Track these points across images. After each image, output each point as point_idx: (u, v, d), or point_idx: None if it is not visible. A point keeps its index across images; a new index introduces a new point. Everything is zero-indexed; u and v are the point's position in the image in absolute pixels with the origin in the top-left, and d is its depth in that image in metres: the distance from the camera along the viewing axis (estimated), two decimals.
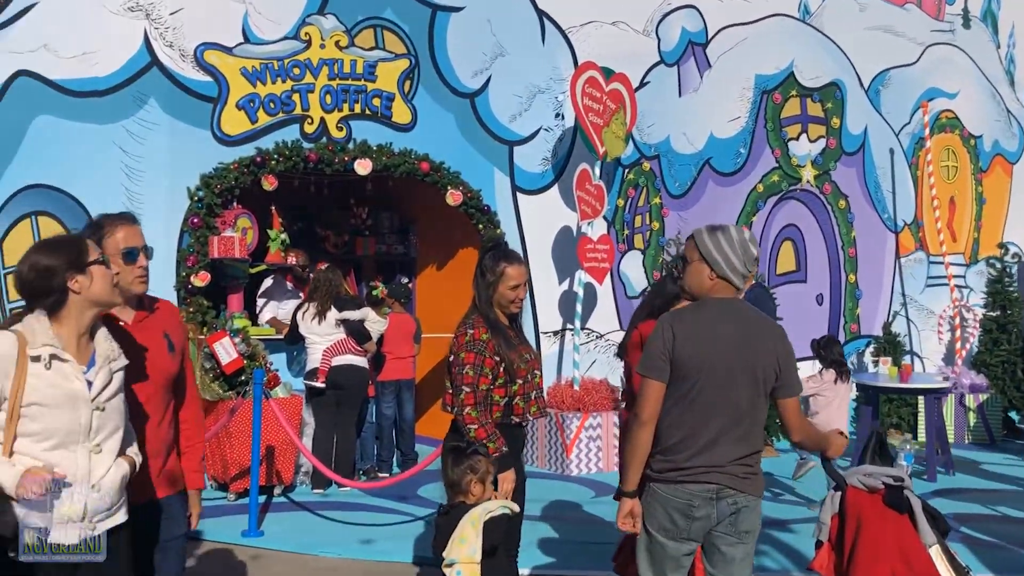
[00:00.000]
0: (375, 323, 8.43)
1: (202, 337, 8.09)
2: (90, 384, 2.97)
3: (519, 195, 10.03)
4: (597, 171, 9.68)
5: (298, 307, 8.49)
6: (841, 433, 4.13)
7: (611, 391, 9.59)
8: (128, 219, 3.51)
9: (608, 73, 9.79)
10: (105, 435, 3.01)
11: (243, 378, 7.88)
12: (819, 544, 4.09)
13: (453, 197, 9.42)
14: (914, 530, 3.96)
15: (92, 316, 3.04)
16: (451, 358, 4.36)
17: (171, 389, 3.58)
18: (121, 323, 3.41)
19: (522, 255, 10.05)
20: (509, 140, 9.97)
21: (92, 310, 3.03)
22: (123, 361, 3.11)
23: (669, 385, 3.69)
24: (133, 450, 3.16)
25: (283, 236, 9.06)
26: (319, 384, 8.20)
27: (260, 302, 9.43)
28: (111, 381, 3.03)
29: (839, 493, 4.11)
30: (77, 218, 8.25)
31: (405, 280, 10.80)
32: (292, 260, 9.31)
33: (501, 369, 4.31)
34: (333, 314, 8.31)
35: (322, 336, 8.32)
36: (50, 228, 8.25)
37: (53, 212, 8.27)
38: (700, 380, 3.66)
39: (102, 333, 3.08)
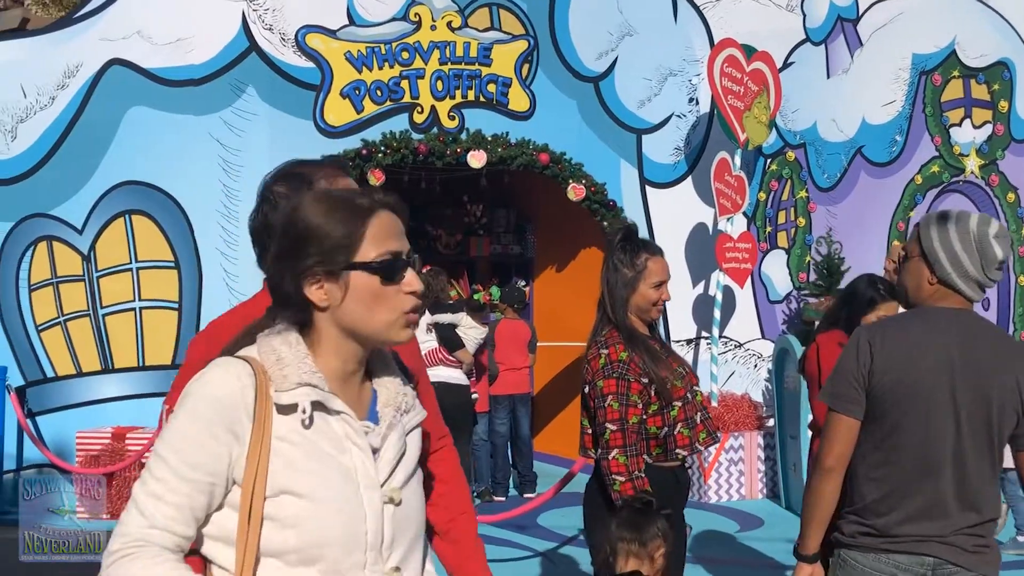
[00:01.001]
0: (470, 329, 7.57)
1: None
2: (376, 454, 1.65)
3: (648, 188, 9.07)
4: (737, 161, 8.65)
5: None
6: None
7: (753, 407, 8.53)
8: (340, 168, 2.22)
9: (750, 51, 8.76)
10: (404, 549, 1.67)
11: None
12: None
13: (575, 191, 8.54)
14: None
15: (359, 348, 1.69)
16: (585, 389, 3.45)
17: None
18: None
19: None
20: (637, 128, 9.03)
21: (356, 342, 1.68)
22: (420, 414, 1.76)
23: (866, 422, 2.74)
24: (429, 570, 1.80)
25: None
26: None
27: None
28: (405, 451, 1.70)
29: None
30: (172, 217, 7.71)
31: (522, 283, 9.95)
32: None
33: (652, 393, 3.38)
34: (426, 319, 7.52)
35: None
36: (145, 229, 7.72)
37: (148, 211, 7.73)
38: (909, 418, 2.70)
39: (387, 366, 1.77)
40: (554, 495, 6.10)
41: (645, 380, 3.37)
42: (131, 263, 7.70)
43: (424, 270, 7.79)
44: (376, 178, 7.96)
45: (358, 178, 7.82)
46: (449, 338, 7.47)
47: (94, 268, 7.71)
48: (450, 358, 7.45)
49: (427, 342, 7.46)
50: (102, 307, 7.69)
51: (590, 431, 3.49)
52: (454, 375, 7.46)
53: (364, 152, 7.89)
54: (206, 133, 7.65)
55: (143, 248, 7.69)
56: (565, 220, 9.38)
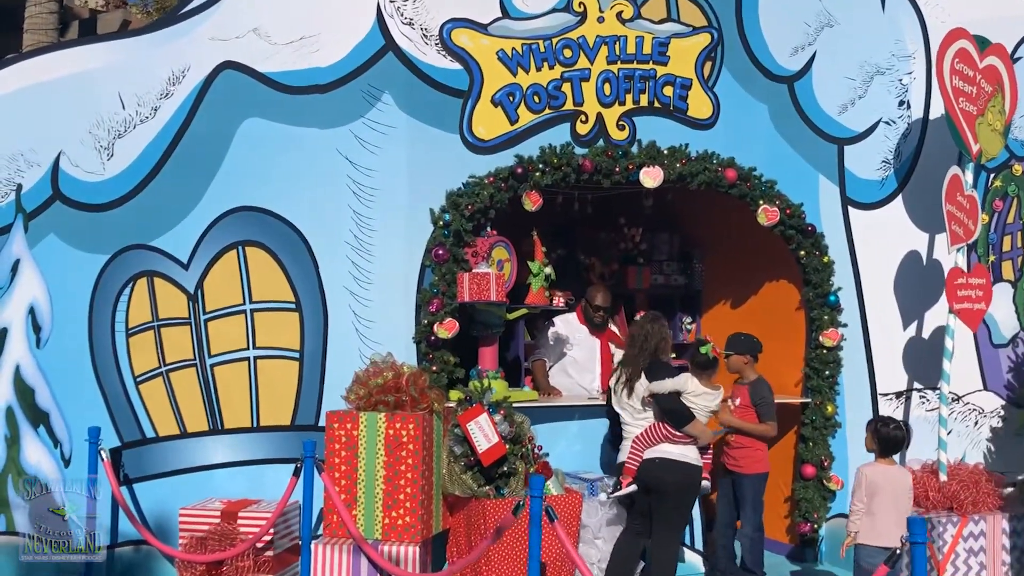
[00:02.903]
0: (698, 397, 5.96)
1: (451, 404, 6.10)
2: None
3: (851, 210, 7.54)
4: (969, 177, 7.07)
5: (614, 370, 6.36)
6: None
7: (991, 479, 6.89)
8: None
9: (982, 44, 7.17)
10: None
11: (504, 469, 5.79)
12: None
13: (767, 215, 7.06)
14: None
15: None
16: None
17: None
18: None
19: (856, 288, 7.66)
20: (839, 137, 7.50)
21: None
22: None
23: None
24: None
25: (547, 270, 6.93)
26: (623, 492, 5.97)
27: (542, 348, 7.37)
28: None
29: None
30: (293, 249, 6.48)
31: (688, 320, 8.49)
32: (559, 302, 7.18)
33: None
34: (642, 386, 6.04)
35: (633, 416, 6.08)
36: (261, 263, 6.48)
37: (264, 242, 6.49)
38: None
39: None
40: None
41: None
42: (245, 304, 6.48)
43: (637, 316, 6.36)
44: (532, 202, 6.61)
45: (510, 202, 6.53)
46: (674, 410, 5.86)
47: (201, 309, 6.51)
48: (673, 433, 5.89)
49: (645, 418, 6.04)
50: (210, 356, 6.49)
51: None
52: (685, 452, 5.87)
53: (519, 171, 6.53)
54: (333, 150, 6.39)
55: (259, 286, 6.47)
56: (741, 247, 7.91)
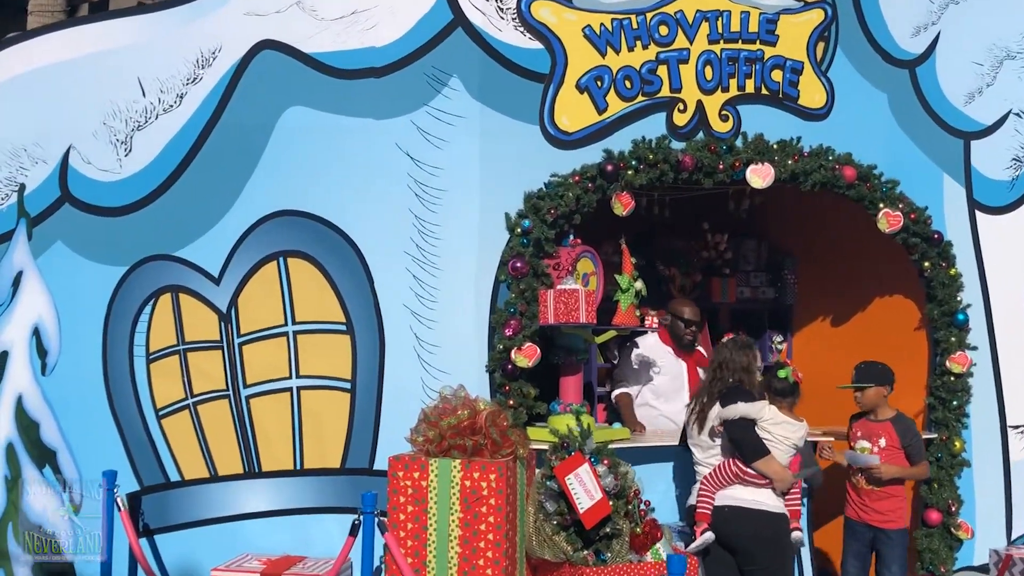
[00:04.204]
0: (776, 425, 5.14)
1: (537, 447, 5.18)
2: None
3: (978, 214, 6.60)
4: None
5: (689, 401, 5.50)
6: None
7: None
8: None
9: None
10: None
11: (607, 529, 4.82)
12: None
13: (889, 220, 6.10)
14: None
15: None
16: None
17: None
18: None
19: (984, 305, 6.72)
20: (964, 131, 6.58)
21: None
22: None
23: None
24: None
25: (638, 285, 5.97)
26: (699, 543, 5.06)
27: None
28: None
29: None
30: (344, 261, 5.59)
31: (778, 339, 7.52)
32: (652, 322, 6.25)
33: None
34: (714, 418, 5.25)
35: (703, 451, 5.29)
36: (306, 277, 5.61)
37: (309, 252, 5.61)
38: None
39: None
40: None
41: None
42: (287, 325, 5.60)
43: (726, 338, 5.47)
44: (623, 205, 5.67)
45: (597, 205, 5.61)
46: (744, 440, 5.04)
47: (235, 331, 5.67)
48: (745, 472, 5.05)
49: (715, 454, 5.15)
50: (246, 386, 5.64)
51: None
52: (757, 497, 5.05)
53: (609, 169, 5.59)
54: (392, 144, 5.50)
55: (303, 304, 5.59)
56: (843, 255, 6.97)
